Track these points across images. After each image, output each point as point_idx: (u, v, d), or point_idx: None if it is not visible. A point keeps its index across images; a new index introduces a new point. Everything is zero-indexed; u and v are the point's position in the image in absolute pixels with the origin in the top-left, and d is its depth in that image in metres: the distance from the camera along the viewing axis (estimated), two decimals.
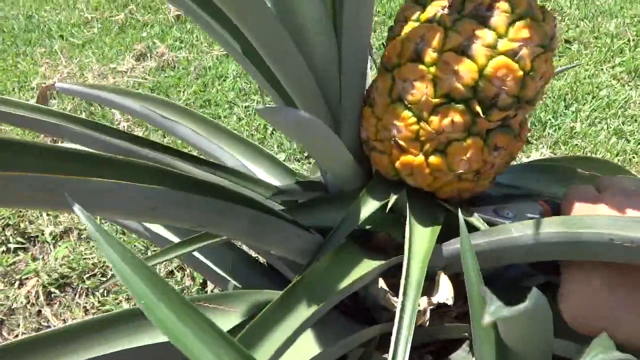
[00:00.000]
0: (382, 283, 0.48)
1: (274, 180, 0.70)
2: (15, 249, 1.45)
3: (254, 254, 0.82)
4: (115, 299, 1.36)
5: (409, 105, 0.43)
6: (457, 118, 0.41)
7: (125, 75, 1.93)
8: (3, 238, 1.47)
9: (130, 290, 0.27)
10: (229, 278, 0.66)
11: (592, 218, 0.36)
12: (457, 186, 0.46)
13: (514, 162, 0.55)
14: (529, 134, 1.61)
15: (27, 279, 1.39)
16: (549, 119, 1.66)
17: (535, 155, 1.57)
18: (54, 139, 1.52)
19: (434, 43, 0.40)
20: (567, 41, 1.98)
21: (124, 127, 1.73)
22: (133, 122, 1.74)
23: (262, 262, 0.76)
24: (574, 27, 2.03)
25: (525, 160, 1.57)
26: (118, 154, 0.56)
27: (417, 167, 0.44)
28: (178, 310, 0.28)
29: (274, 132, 1.67)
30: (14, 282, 1.39)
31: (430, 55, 0.41)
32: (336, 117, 0.50)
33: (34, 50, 2.09)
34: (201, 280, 1.35)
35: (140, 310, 0.29)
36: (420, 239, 0.46)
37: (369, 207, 0.49)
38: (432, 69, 0.41)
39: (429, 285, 0.47)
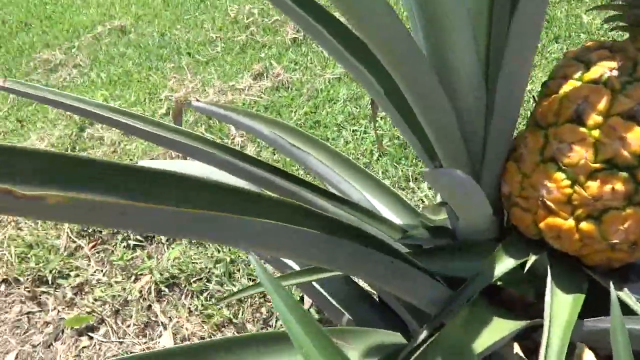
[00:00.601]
0: (517, 348, 0.46)
1: (397, 218, 0.71)
2: (135, 246, 1.59)
3: (367, 287, 0.83)
4: (217, 303, 1.43)
5: (564, 167, 0.41)
6: (619, 186, 0.39)
7: (243, 93, 2.06)
8: (125, 235, 1.62)
9: (293, 339, 0.29)
10: (342, 310, 0.68)
11: None
12: (608, 255, 0.43)
13: None
14: None
15: (142, 275, 1.52)
16: None
17: None
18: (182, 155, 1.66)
19: (599, 106, 0.39)
20: None
21: (238, 141, 1.84)
22: (246, 138, 1.84)
23: (373, 296, 0.76)
24: None
25: None
26: (254, 181, 0.60)
27: (565, 231, 0.42)
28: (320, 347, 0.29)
29: (379, 157, 1.68)
30: (131, 277, 1.52)
31: (594, 118, 0.39)
32: (476, 169, 0.49)
33: (164, 65, 2.30)
34: (314, 308, 1.38)
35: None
36: (560, 304, 0.44)
37: (504, 264, 0.48)
38: (595, 133, 0.39)
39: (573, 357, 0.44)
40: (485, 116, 0.46)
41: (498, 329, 0.44)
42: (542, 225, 0.44)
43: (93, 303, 1.46)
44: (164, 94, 2.09)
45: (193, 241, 1.59)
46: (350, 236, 0.43)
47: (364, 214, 0.60)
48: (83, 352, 1.41)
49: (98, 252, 1.60)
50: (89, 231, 1.66)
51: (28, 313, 1.49)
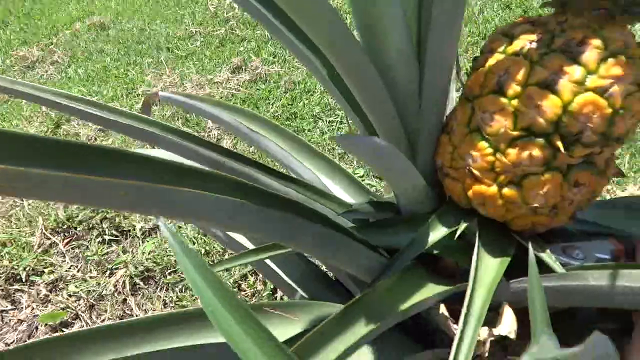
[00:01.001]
0: (443, 309, 0.47)
1: (349, 197, 0.72)
2: (110, 240, 1.59)
3: (323, 268, 0.84)
4: (192, 295, 1.44)
5: (487, 136, 0.42)
6: (536, 152, 0.40)
7: (221, 86, 2.06)
8: (100, 230, 1.62)
9: (199, 297, 0.30)
10: (297, 288, 0.69)
11: None
12: (532, 219, 0.45)
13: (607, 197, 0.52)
14: (627, 166, 1.49)
15: (117, 269, 1.52)
16: None
17: (631, 189, 1.45)
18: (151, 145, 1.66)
19: (518, 76, 0.40)
20: None
21: (215, 134, 1.84)
22: (223, 131, 1.84)
23: (330, 276, 0.77)
24: None
25: (620, 194, 1.45)
26: (205, 163, 0.61)
27: (489, 197, 0.44)
28: (240, 319, 0.30)
29: None
30: (106, 271, 1.52)
31: (513, 88, 0.40)
32: (413, 143, 0.51)
33: (143, 60, 2.30)
34: (272, 286, 1.40)
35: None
36: (487, 268, 0.45)
37: (438, 232, 0.49)
38: (514, 102, 0.40)
39: (493, 317, 0.46)
40: (418, 93, 0.47)
41: (424, 292, 0.45)
42: (470, 193, 0.45)
43: (67, 299, 1.46)
44: (141, 89, 2.09)
45: None
46: (285, 208, 0.44)
47: (313, 192, 0.61)
48: None
49: (73, 248, 1.59)
50: (64, 227, 1.65)
51: (2, 312, 1.48)
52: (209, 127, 1.86)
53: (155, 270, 1.51)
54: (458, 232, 0.47)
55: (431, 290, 0.47)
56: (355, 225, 0.56)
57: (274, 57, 2.19)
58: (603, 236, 0.46)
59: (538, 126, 0.39)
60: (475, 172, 0.44)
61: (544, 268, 0.45)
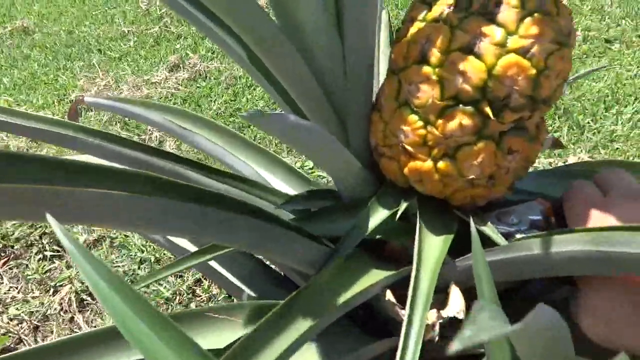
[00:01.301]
0: (389, 295, 0.45)
1: (291, 189, 0.69)
2: (51, 256, 1.50)
3: (274, 265, 0.81)
4: None
5: (416, 109, 0.41)
6: (466, 121, 0.39)
7: (159, 86, 1.98)
8: (40, 246, 1.52)
9: (106, 308, 0.27)
10: (245, 288, 0.66)
11: (625, 236, 0.32)
12: (470, 193, 0.43)
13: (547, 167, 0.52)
14: (566, 138, 1.54)
15: (61, 286, 1.43)
16: (588, 122, 1.59)
17: (572, 160, 1.50)
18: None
19: (439, 43, 0.38)
20: (607, 41, 1.89)
21: (156, 136, 1.77)
22: (164, 133, 1.77)
23: (280, 272, 0.75)
24: (615, 26, 1.94)
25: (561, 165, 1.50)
26: (131, 165, 0.57)
27: (425, 173, 0.42)
28: (156, 328, 0.27)
29: None
30: (49, 289, 1.43)
31: (436, 55, 0.38)
32: (344, 123, 0.48)
33: (73, 64, 2.18)
34: None
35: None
36: (431, 248, 0.44)
37: (378, 215, 0.47)
38: (438, 71, 0.39)
39: (442, 299, 0.44)
40: (343, 70, 0.45)
41: (367, 280, 0.43)
42: (406, 170, 0.44)
43: (8, 323, 1.36)
44: (74, 95, 1.98)
45: (114, 244, 1.52)
46: (210, 203, 0.40)
47: (249, 186, 0.58)
48: None
49: (11, 268, 1.49)
50: (0, 247, 1.55)
51: None
52: (149, 130, 1.78)
53: None
54: (399, 213, 0.45)
55: (375, 277, 0.45)
56: (295, 217, 0.54)
57: (212, 53, 2.13)
58: (531, 199, 0.45)
59: (465, 93, 0.38)
60: (409, 147, 0.42)
61: (489, 242, 0.44)
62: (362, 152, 0.49)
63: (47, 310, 1.38)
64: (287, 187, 0.70)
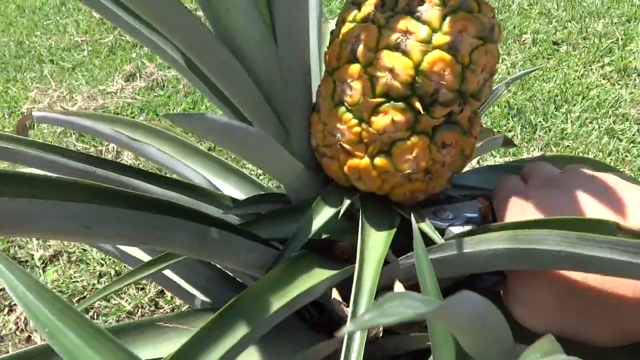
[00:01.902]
0: (335, 294, 0.46)
1: (243, 195, 0.69)
2: None
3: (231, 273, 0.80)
4: (105, 321, 1.34)
5: (350, 108, 0.41)
6: (398, 117, 0.39)
7: (115, 96, 1.94)
8: None
9: (31, 318, 0.26)
10: (197, 295, 0.65)
11: (541, 234, 0.34)
12: (409, 188, 0.44)
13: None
14: (520, 137, 1.58)
15: (16, 305, 1.38)
16: (539, 122, 1.64)
17: (525, 158, 1.55)
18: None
19: (368, 42, 0.39)
20: (555, 43, 1.96)
21: (113, 147, 1.73)
22: None
23: (237, 279, 0.74)
24: (562, 29, 2.02)
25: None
26: (74, 175, 0.55)
27: (363, 170, 0.43)
28: (87, 337, 0.27)
29: None
30: (3, 309, 1.37)
31: (365, 54, 0.39)
32: (285, 126, 0.49)
33: (24, 75, 2.11)
34: None
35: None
36: (374, 244, 0.44)
37: (322, 215, 0.47)
38: (368, 69, 0.39)
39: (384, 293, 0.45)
40: (280, 73, 0.45)
41: (311, 280, 0.43)
42: (345, 169, 0.44)
43: None
44: (25, 107, 1.91)
45: (72, 259, 1.47)
46: (152, 209, 0.40)
47: (196, 193, 0.58)
48: None
49: None
50: None
51: None
52: (107, 142, 1.74)
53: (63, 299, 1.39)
54: (341, 212, 0.45)
55: (319, 276, 0.45)
56: (245, 221, 0.53)
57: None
58: (474, 198, 0.47)
59: (395, 90, 0.39)
60: (346, 146, 0.42)
61: (429, 240, 0.45)
62: (305, 154, 0.50)
63: (1, 331, 1.32)
64: (239, 193, 0.70)
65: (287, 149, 0.48)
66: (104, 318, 1.34)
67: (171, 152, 0.75)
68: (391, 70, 0.38)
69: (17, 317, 1.36)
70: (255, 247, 0.48)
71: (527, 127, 1.65)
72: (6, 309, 1.38)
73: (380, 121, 0.40)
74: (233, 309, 0.37)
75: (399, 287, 0.44)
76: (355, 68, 0.40)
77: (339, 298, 0.45)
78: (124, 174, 0.57)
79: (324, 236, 0.51)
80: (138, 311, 1.35)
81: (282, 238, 0.52)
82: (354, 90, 0.40)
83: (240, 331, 0.36)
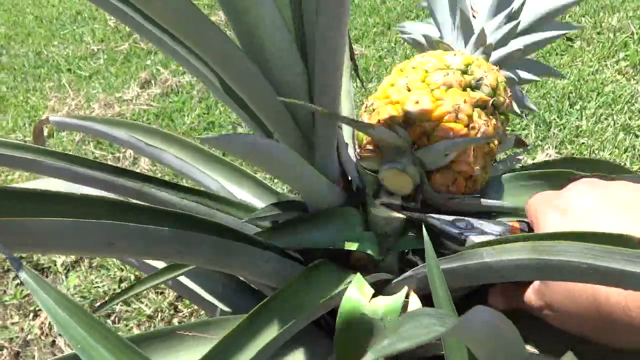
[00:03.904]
0: None
1: (258, 201, 0.70)
2: None
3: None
4: (127, 325, 1.37)
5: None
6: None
7: (131, 103, 1.97)
8: None
9: (64, 335, 0.28)
10: (218, 303, 0.66)
11: (564, 245, 0.34)
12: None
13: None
14: (534, 135, 1.57)
15: (40, 310, 1.41)
16: (554, 119, 1.64)
17: (540, 157, 1.54)
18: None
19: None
20: (569, 39, 1.95)
21: (130, 154, 1.76)
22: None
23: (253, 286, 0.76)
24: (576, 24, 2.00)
25: (530, 162, 1.54)
26: (94, 184, 0.57)
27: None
28: (117, 352, 0.28)
29: None
30: (28, 314, 1.41)
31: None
32: (310, 139, 0.50)
33: (43, 85, 2.16)
34: None
35: None
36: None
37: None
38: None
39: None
40: (308, 89, 0.46)
41: (332, 289, 0.45)
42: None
43: None
44: (45, 116, 1.96)
45: (93, 264, 1.51)
46: (171, 224, 0.42)
47: (214, 201, 0.59)
48: None
49: None
50: None
51: None
52: (123, 149, 1.78)
53: (84, 305, 1.42)
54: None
55: (338, 285, 0.47)
56: (261, 230, 0.55)
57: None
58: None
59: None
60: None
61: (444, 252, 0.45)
62: (327, 167, 0.51)
63: (27, 336, 1.36)
64: (254, 199, 0.71)
65: (311, 161, 0.49)
66: (125, 322, 1.37)
67: (186, 157, 0.77)
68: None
69: (42, 323, 1.40)
70: (271, 257, 0.49)
71: (542, 125, 1.64)
72: (31, 314, 1.42)
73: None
74: (258, 317, 0.39)
75: (414, 298, 0.45)
76: None
77: None
78: (142, 182, 0.58)
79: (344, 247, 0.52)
80: (158, 315, 1.38)
81: (301, 247, 0.54)
82: None
83: (265, 338, 0.38)
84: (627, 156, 1.46)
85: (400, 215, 0.50)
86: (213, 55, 0.41)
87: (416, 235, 0.52)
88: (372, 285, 0.48)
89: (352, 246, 0.52)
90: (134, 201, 0.40)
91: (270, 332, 0.39)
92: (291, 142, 0.50)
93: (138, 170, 0.77)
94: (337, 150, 0.55)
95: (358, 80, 1.93)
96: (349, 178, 0.57)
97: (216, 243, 0.43)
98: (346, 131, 0.75)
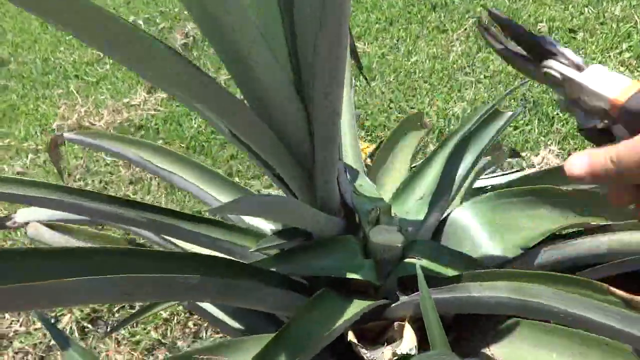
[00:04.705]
0: (351, 336, 0.50)
1: (266, 224, 0.74)
2: None
3: None
4: (144, 329, 1.42)
5: None
6: None
7: (139, 108, 2.01)
8: None
9: None
10: (231, 322, 0.70)
11: (538, 289, 0.37)
12: None
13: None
14: (537, 131, 1.58)
15: (61, 316, 1.47)
16: (557, 114, 1.65)
17: (543, 153, 1.56)
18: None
19: None
20: (571, 30, 1.95)
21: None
22: None
23: None
24: (578, 15, 1.99)
25: (534, 159, 1.55)
26: (105, 217, 0.61)
27: None
28: None
29: None
30: (50, 320, 1.47)
31: None
32: (310, 171, 0.53)
33: (52, 92, 2.20)
34: None
35: None
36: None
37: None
38: None
39: (395, 335, 0.49)
40: (307, 125, 0.50)
41: (340, 317, 0.48)
42: None
43: (14, 356, 1.41)
44: (56, 124, 2.00)
45: None
46: (182, 269, 0.45)
47: (224, 229, 0.63)
48: None
49: None
50: None
51: None
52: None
53: (103, 310, 1.48)
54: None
55: (346, 313, 0.50)
56: (266, 257, 0.58)
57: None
58: None
59: None
60: None
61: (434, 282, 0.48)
62: (328, 200, 0.54)
63: (50, 341, 1.42)
64: (263, 222, 0.75)
65: (312, 194, 0.53)
66: (142, 326, 1.42)
67: (193, 179, 0.79)
68: None
69: (63, 328, 1.46)
70: (277, 291, 0.52)
71: (544, 120, 1.65)
72: (53, 320, 1.48)
73: None
74: (273, 347, 0.42)
75: (407, 329, 0.48)
76: None
77: (354, 340, 0.50)
78: (149, 212, 0.61)
79: (345, 275, 0.55)
80: (174, 318, 1.43)
81: (306, 274, 0.57)
82: None
83: None
84: None
85: (399, 245, 0.53)
86: (218, 108, 0.44)
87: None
88: (372, 310, 0.52)
89: (353, 275, 0.55)
90: (148, 249, 0.44)
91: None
92: (293, 178, 0.53)
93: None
94: (338, 180, 0.58)
95: (362, 78, 1.94)
96: (350, 206, 0.60)
97: (225, 283, 0.46)
98: (350, 153, 0.78)
